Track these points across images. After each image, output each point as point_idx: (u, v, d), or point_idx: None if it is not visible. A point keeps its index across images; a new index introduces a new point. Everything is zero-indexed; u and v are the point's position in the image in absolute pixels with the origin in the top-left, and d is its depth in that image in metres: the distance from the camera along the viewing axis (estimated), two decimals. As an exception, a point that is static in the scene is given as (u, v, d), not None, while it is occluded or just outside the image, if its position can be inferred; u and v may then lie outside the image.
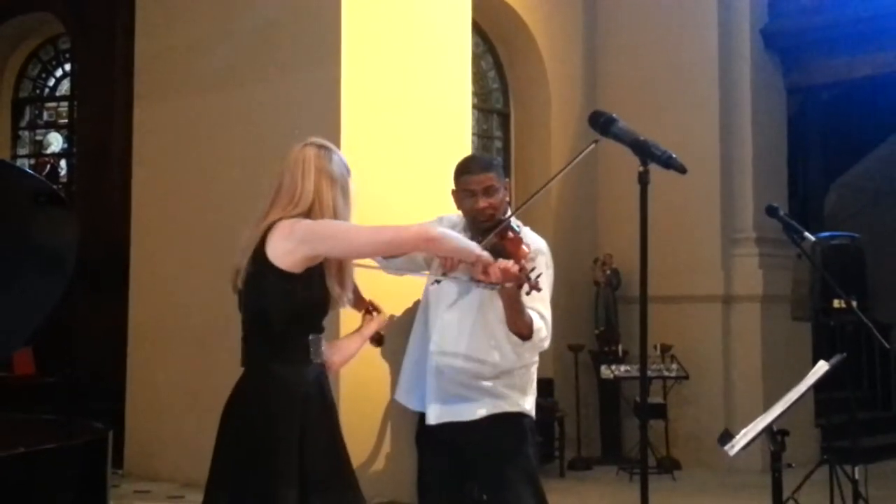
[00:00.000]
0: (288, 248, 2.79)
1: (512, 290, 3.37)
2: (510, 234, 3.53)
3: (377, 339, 3.28)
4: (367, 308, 3.25)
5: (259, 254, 2.82)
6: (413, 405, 3.92)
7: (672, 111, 8.37)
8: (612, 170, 8.59)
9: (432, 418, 3.74)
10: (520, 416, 3.72)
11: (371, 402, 5.78)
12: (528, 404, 3.75)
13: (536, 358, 3.78)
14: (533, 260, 3.46)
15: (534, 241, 3.68)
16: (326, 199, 2.90)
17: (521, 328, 3.53)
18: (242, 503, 2.72)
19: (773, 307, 8.08)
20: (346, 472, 2.86)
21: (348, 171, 3.02)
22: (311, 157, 2.94)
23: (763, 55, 8.76)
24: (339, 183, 2.94)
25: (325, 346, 2.92)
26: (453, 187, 3.81)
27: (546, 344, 3.64)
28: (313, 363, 2.85)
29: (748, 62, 8.61)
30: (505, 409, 3.67)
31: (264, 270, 2.81)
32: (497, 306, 3.56)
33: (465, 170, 3.79)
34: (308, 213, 2.87)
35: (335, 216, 2.89)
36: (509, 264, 3.24)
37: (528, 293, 3.34)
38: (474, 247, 3.08)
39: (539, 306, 3.58)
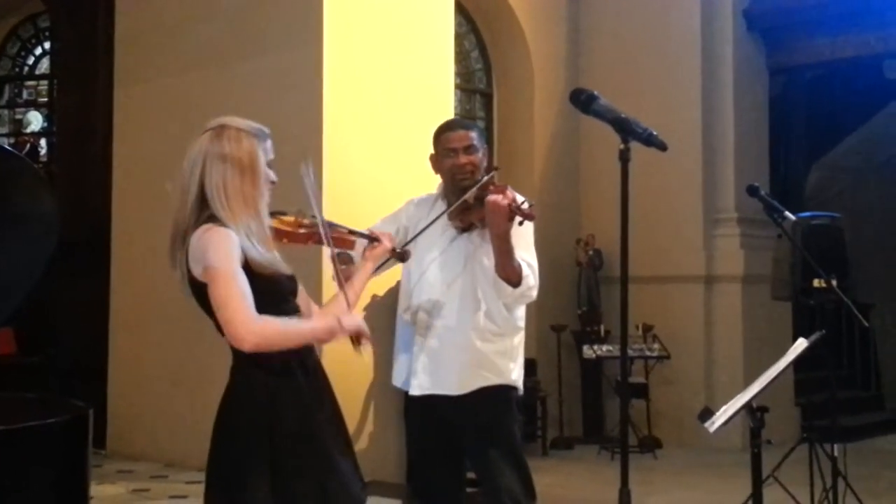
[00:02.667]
0: (193, 265, 2.54)
1: (503, 232, 3.40)
2: (492, 186, 3.55)
3: (400, 255, 3.16)
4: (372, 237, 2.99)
5: (185, 266, 2.57)
6: (409, 387, 3.83)
7: (655, 91, 8.38)
8: (594, 151, 8.62)
9: (417, 389, 3.73)
10: (507, 389, 3.73)
11: (354, 382, 5.78)
12: (516, 374, 3.75)
13: (522, 324, 3.79)
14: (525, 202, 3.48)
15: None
16: (216, 184, 2.53)
17: (511, 274, 3.54)
18: (220, 489, 2.67)
19: (754, 287, 8.12)
20: (330, 456, 2.71)
21: (258, 136, 2.61)
22: (202, 145, 2.62)
23: (746, 36, 8.77)
24: (230, 160, 2.56)
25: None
26: (432, 151, 3.80)
27: (534, 293, 3.65)
28: (284, 353, 2.59)
29: (731, 43, 8.62)
30: (492, 381, 3.68)
31: (195, 283, 2.56)
32: (484, 267, 3.57)
33: (445, 128, 3.82)
34: (211, 210, 2.54)
35: (229, 198, 2.53)
36: (499, 197, 3.27)
37: (521, 223, 3.37)
38: (307, 326, 2.71)
39: (527, 256, 3.61)
